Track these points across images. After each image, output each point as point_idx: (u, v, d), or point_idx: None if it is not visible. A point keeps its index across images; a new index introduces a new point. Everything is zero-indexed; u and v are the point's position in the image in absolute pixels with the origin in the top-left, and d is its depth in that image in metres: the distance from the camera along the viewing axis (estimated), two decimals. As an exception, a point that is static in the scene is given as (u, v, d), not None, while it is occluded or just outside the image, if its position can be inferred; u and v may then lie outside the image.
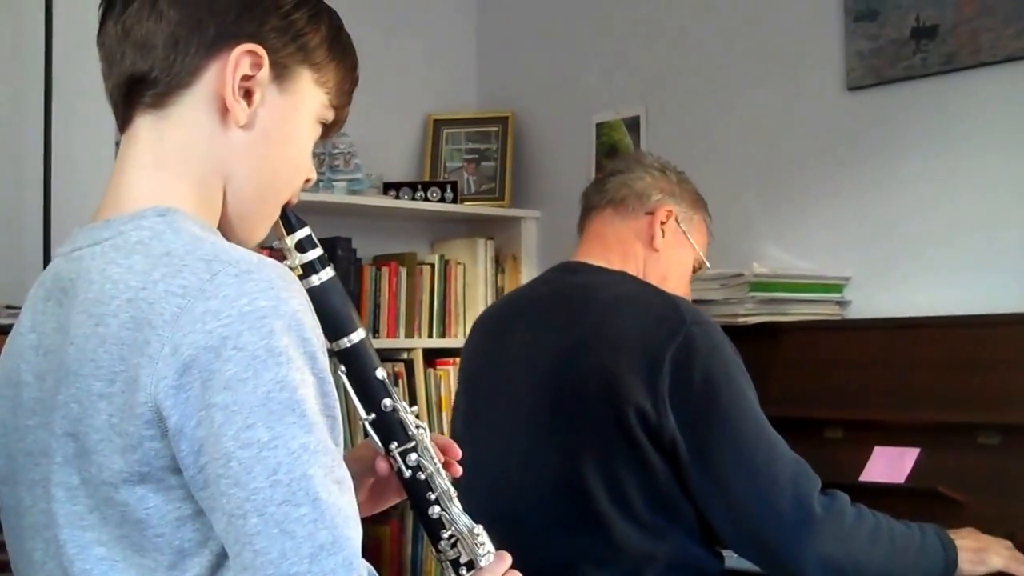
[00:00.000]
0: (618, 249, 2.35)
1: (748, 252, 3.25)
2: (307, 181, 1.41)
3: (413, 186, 3.89)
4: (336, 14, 1.40)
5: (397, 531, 3.64)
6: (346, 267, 3.60)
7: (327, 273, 1.37)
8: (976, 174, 2.90)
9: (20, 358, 1.30)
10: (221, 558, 1.17)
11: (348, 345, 1.37)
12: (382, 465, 1.42)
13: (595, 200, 2.41)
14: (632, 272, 2.33)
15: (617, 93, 3.80)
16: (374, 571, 1.22)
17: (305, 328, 1.17)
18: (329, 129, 1.41)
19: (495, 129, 4.14)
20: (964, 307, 2.78)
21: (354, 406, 1.39)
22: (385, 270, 3.75)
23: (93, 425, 1.17)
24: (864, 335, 2.84)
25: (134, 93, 1.31)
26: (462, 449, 1.50)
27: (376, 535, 3.54)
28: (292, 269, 1.34)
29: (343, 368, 1.38)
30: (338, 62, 1.38)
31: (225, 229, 1.33)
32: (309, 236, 1.38)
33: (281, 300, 1.15)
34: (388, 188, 3.87)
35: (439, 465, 1.42)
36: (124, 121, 1.33)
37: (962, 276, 2.90)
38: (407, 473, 1.40)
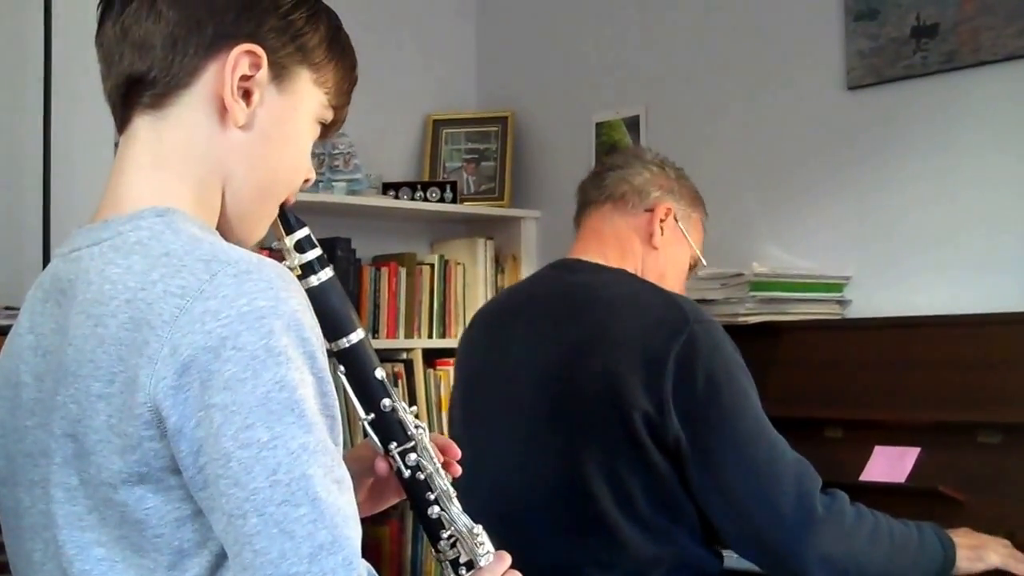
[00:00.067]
0: (616, 246, 2.34)
1: (748, 251, 3.25)
2: (306, 181, 1.41)
3: (412, 186, 3.89)
4: (335, 14, 1.40)
5: (397, 531, 3.63)
6: (345, 267, 3.59)
7: (326, 273, 1.37)
8: (976, 173, 2.90)
9: (19, 359, 1.30)
10: (220, 558, 1.17)
11: (347, 345, 1.37)
12: (381, 465, 1.42)
13: (593, 195, 2.39)
14: (630, 269, 2.32)
15: (617, 93, 3.79)
16: (373, 571, 1.22)
17: (304, 328, 1.17)
18: (328, 129, 1.41)
19: (494, 129, 4.14)
20: (964, 306, 2.78)
21: (353, 406, 1.39)
22: (385, 270, 3.75)
23: (92, 426, 1.17)
24: (864, 335, 2.84)
25: (132, 93, 1.31)
26: (461, 450, 1.50)
27: (376, 535, 3.54)
28: (291, 269, 1.34)
29: (342, 368, 1.38)
30: (337, 62, 1.38)
31: (224, 229, 1.33)
32: (308, 236, 1.38)
33: (280, 300, 1.15)
34: (387, 188, 3.87)
35: (438, 465, 1.42)
36: (122, 122, 1.33)
37: (962, 275, 2.89)
38: (406, 473, 1.40)
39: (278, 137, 1.34)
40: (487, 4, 4.33)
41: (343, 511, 1.14)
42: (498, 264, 4.02)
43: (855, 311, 3.10)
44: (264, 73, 1.31)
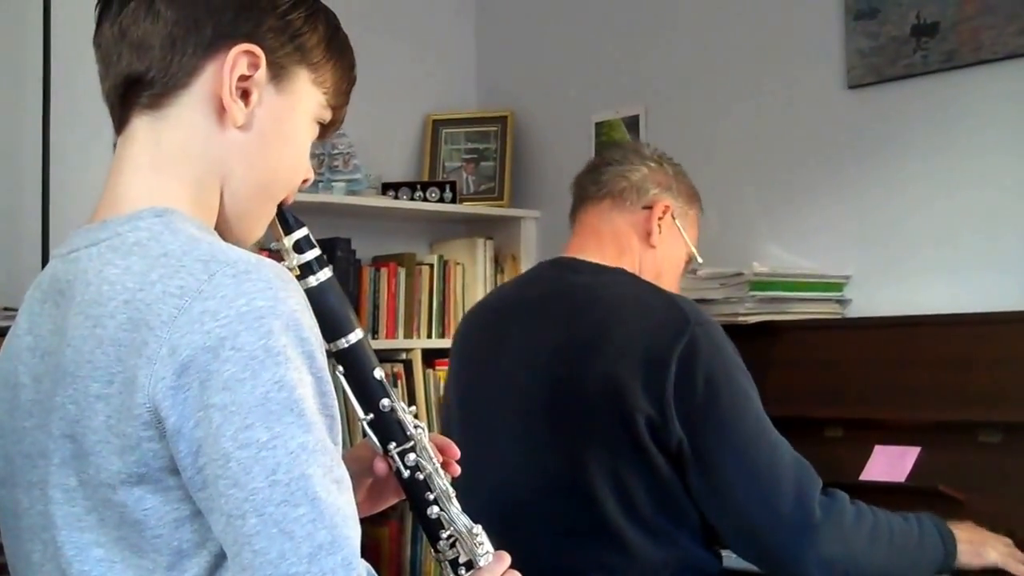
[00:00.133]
0: (614, 244, 2.33)
1: (748, 251, 3.25)
2: (305, 181, 1.41)
3: (412, 186, 3.89)
4: (333, 14, 1.40)
5: (396, 532, 3.63)
6: (345, 268, 3.59)
7: (325, 274, 1.37)
8: (977, 172, 2.90)
9: (17, 360, 1.30)
10: (219, 559, 1.17)
11: (346, 345, 1.37)
12: (380, 465, 1.42)
13: (591, 191, 2.38)
14: (628, 268, 2.30)
15: (616, 92, 3.79)
16: (373, 571, 1.22)
17: (303, 328, 1.17)
18: (327, 129, 1.41)
19: (494, 129, 4.13)
20: (965, 305, 2.78)
21: (352, 407, 1.39)
22: (384, 270, 3.75)
23: (91, 426, 1.17)
24: (864, 334, 2.84)
25: (131, 94, 1.31)
26: (460, 451, 1.49)
27: (375, 536, 3.54)
28: (290, 270, 1.34)
29: (341, 368, 1.38)
30: (335, 62, 1.38)
31: (222, 229, 1.33)
32: (307, 236, 1.38)
33: (279, 300, 1.15)
34: (387, 188, 3.87)
35: (437, 465, 1.42)
36: (121, 122, 1.33)
37: (963, 274, 2.89)
38: (405, 473, 1.40)
39: (276, 137, 1.34)
40: (486, 4, 4.33)
41: (342, 511, 1.14)
42: (497, 264, 4.01)
43: (855, 310, 3.10)
44: (262, 73, 1.31)
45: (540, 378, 2.19)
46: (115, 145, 1.35)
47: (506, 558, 1.42)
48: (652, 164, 2.38)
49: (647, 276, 2.30)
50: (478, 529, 1.41)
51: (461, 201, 3.98)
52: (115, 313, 1.17)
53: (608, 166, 2.38)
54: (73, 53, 2.98)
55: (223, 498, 1.11)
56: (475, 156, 4.14)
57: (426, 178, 4.07)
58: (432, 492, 1.41)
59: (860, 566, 2.10)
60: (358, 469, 1.40)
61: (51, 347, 1.25)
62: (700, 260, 2.47)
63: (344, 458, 1.21)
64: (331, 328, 1.35)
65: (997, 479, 2.42)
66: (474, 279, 3.93)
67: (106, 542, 1.19)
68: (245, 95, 1.30)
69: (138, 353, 1.14)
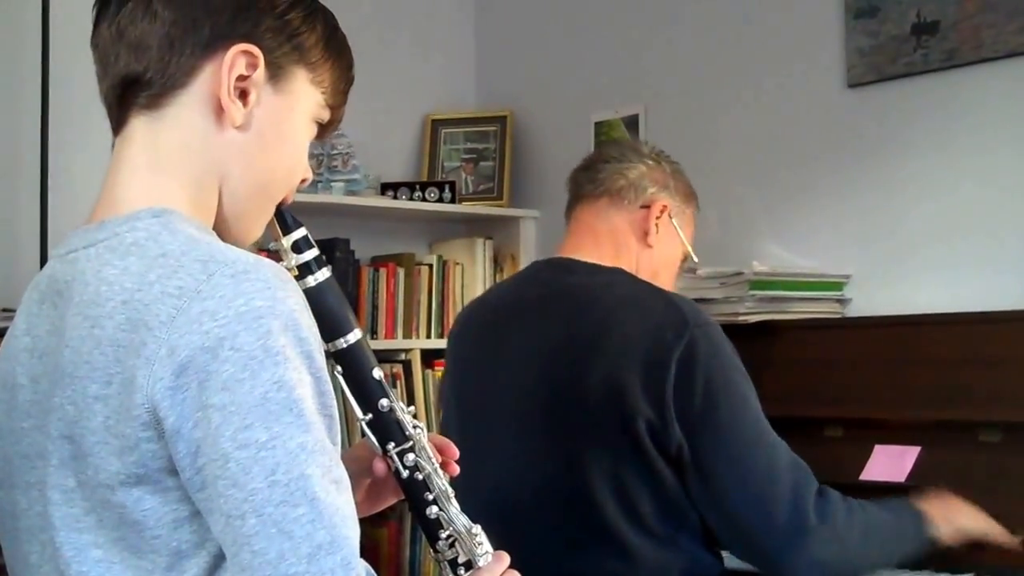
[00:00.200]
0: (611, 243, 2.31)
1: (748, 250, 3.25)
2: (303, 181, 1.40)
3: (411, 186, 3.88)
4: (331, 14, 1.40)
5: (395, 533, 3.63)
6: (344, 268, 3.59)
7: (323, 274, 1.37)
8: (978, 171, 2.90)
9: (15, 361, 1.30)
10: (218, 559, 1.17)
11: (344, 346, 1.37)
12: (379, 465, 1.42)
13: (587, 189, 2.35)
14: (625, 267, 2.29)
15: (616, 92, 3.79)
16: (372, 571, 1.21)
17: (302, 328, 1.17)
18: (325, 129, 1.41)
19: (493, 128, 4.13)
20: (965, 304, 2.78)
21: (351, 407, 1.39)
22: (383, 271, 3.74)
23: (89, 427, 1.17)
24: (864, 333, 2.84)
25: (129, 94, 1.30)
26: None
27: (374, 537, 3.54)
28: (288, 270, 1.33)
29: (339, 369, 1.38)
30: (334, 61, 1.37)
31: (221, 230, 1.32)
32: (305, 236, 1.38)
33: (278, 300, 1.15)
34: (386, 188, 3.86)
35: (436, 465, 1.42)
36: (118, 123, 1.33)
37: (963, 273, 2.89)
38: (404, 473, 1.40)
39: (275, 137, 1.34)
40: (486, 4, 4.33)
41: (341, 511, 1.14)
42: (497, 264, 4.01)
43: (855, 310, 3.09)
44: (261, 73, 1.30)
45: (538, 381, 2.18)
46: (113, 146, 1.34)
47: (505, 558, 1.41)
48: (650, 162, 2.36)
49: (644, 275, 2.29)
50: (477, 529, 1.41)
51: (460, 201, 3.97)
52: (113, 314, 1.17)
53: (605, 163, 2.36)
54: (72, 54, 2.97)
55: (222, 498, 1.11)
56: (474, 156, 4.13)
57: (425, 178, 4.06)
58: (431, 492, 1.40)
59: (852, 564, 2.13)
60: (357, 469, 1.40)
61: (49, 348, 1.24)
62: (696, 259, 2.46)
63: (343, 458, 1.20)
64: (330, 328, 1.34)
65: (998, 478, 2.42)
66: (473, 279, 3.93)
67: (105, 543, 1.19)
68: (243, 95, 1.30)
69: (136, 354, 1.14)
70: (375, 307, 3.71)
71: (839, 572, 2.11)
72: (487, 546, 1.41)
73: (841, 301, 3.11)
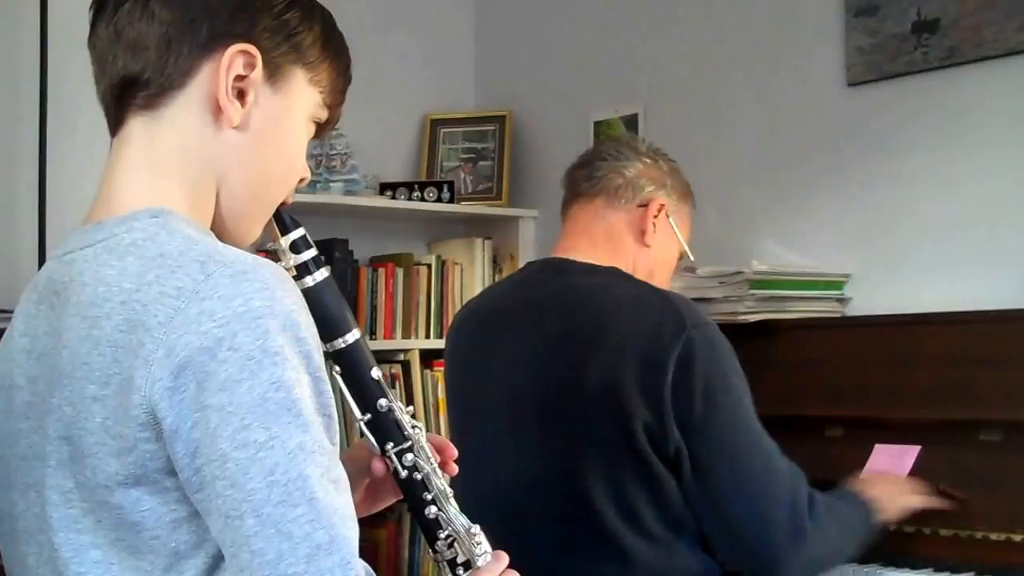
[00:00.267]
0: (607, 243, 2.30)
1: (748, 249, 3.24)
2: (301, 180, 1.40)
3: (410, 186, 3.87)
4: (329, 13, 1.40)
5: (394, 534, 3.63)
6: (343, 268, 3.58)
7: (321, 274, 1.37)
8: (978, 170, 2.89)
9: (12, 362, 1.30)
10: (217, 560, 1.17)
11: (343, 346, 1.37)
12: (378, 466, 1.42)
13: (584, 187, 2.34)
14: (621, 267, 2.27)
15: (615, 91, 3.78)
16: (371, 571, 1.21)
17: (300, 328, 1.17)
18: (322, 128, 1.41)
19: (492, 128, 4.13)
20: (965, 303, 2.77)
21: (350, 407, 1.39)
22: (382, 271, 3.74)
23: (87, 428, 1.17)
24: (865, 332, 2.84)
25: (126, 95, 1.30)
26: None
27: (373, 538, 3.53)
28: (287, 270, 1.33)
29: (338, 369, 1.38)
30: (331, 61, 1.37)
31: (219, 230, 1.32)
32: (304, 236, 1.38)
33: (276, 300, 1.15)
34: (384, 188, 3.86)
35: (435, 465, 1.42)
36: (116, 123, 1.33)
37: (963, 272, 2.88)
38: (403, 473, 1.40)
39: (273, 137, 1.34)
40: (485, 3, 4.32)
41: (340, 511, 1.14)
42: (496, 264, 4.00)
43: (855, 309, 3.09)
44: (259, 73, 1.30)
45: (533, 383, 2.17)
46: (111, 146, 1.34)
47: (504, 558, 1.41)
48: (647, 160, 2.35)
49: (640, 275, 2.28)
50: (476, 529, 1.41)
51: (459, 201, 3.97)
52: (111, 314, 1.16)
53: (603, 161, 2.35)
54: (70, 54, 2.97)
55: (221, 499, 1.11)
56: (473, 156, 4.13)
57: (424, 178, 4.06)
58: (430, 492, 1.40)
59: (833, 560, 2.19)
60: (355, 469, 1.39)
61: (46, 349, 1.24)
62: (692, 258, 2.45)
63: (341, 458, 1.20)
64: (328, 328, 1.34)
65: (998, 478, 2.42)
66: (472, 279, 3.92)
67: (103, 544, 1.19)
68: (241, 95, 1.30)
69: (134, 354, 1.13)
70: (374, 307, 3.71)
71: (823, 568, 2.16)
72: (486, 546, 1.41)
73: (841, 300, 3.10)
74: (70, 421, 1.18)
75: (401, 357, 3.74)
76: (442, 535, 1.41)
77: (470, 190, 4.10)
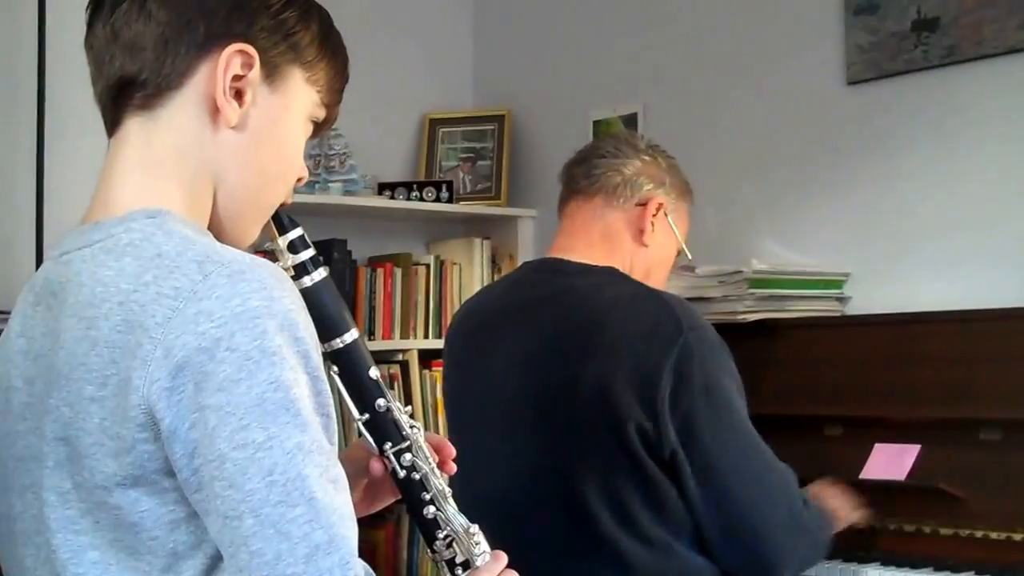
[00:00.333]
0: (604, 242, 2.29)
1: (747, 248, 3.24)
2: (299, 180, 1.40)
3: (408, 186, 3.87)
4: (326, 12, 1.39)
5: (392, 535, 3.62)
6: (341, 269, 3.57)
7: (319, 274, 1.36)
8: (978, 168, 2.89)
9: (9, 363, 1.29)
10: (215, 560, 1.17)
11: (341, 345, 1.37)
12: (376, 466, 1.41)
13: (582, 184, 2.33)
14: (618, 266, 2.26)
15: (614, 90, 3.78)
16: (371, 571, 1.21)
17: (298, 327, 1.16)
18: (320, 127, 1.41)
19: (491, 127, 4.12)
20: (965, 302, 2.77)
21: (348, 407, 1.39)
22: (380, 271, 3.73)
23: (85, 429, 1.17)
24: (864, 331, 2.83)
25: (123, 95, 1.30)
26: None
27: (371, 539, 3.53)
28: (285, 270, 1.33)
29: (336, 369, 1.37)
30: (329, 60, 1.37)
31: (217, 231, 1.32)
32: (301, 236, 1.38)
33: (274, 300, 1.15)
34: (383, 188, 3.85)
35: (434, 465, 1.42)
36: (113, 124, 1.32)
37: (963, 271, 2.88)
38: (401, 473, 1.40)
39: (270, 137, 1.33)
40: (483, 3, 4.32)
41: (339, 511, 1.14)
42: (495, 264, 4.00)
43: (855, 308, 3.09)
44: (256, 73, 1.30)
45: (528, 385, 2.16)
46: (108, 147, 1.34)
47: (503, 558, 1.41)
48: (646, 158, 2.34)
49: (637, 274, 2.27)
50: (475, 529, 1.41)
51: (458, 201, 3.96)
52: (109, 315, 1.16)
53: (601, 158, 2.33)
54: (68, 55, 2.97)
55: (219, 499, 1.11)
56: (472, 155, 4.12)
57: (423, 178, 4.05)
58: (428, 492, 1.40)
59: (813, 561, 2.22)
60: (354, 470, 1.39)
61: (44, 350, 1.24)
62: (690, 256, 2.44)
63: (340, 458, 1.20)
64: (326, 328, 1.34)
65: (998, 477, 2.42)
66: (471, 279, 3.91)
67: (101, 545, 1.18)
68: (239, 95, 1.30)
69: (132, 355, 1.13)
70: (372, 308, 3.70)
71: (810, 561, 2.19)
72: (484, 546, 1.41)
73: (841, 299, 3.10)
74: (68, 422, 1.18)
75: (400, 357, 3.74)
76: (440, 535, 1.40)
77: (469, 190, 4.09)
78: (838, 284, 3.11)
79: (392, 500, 1.51)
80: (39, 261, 2.96)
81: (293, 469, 1.11)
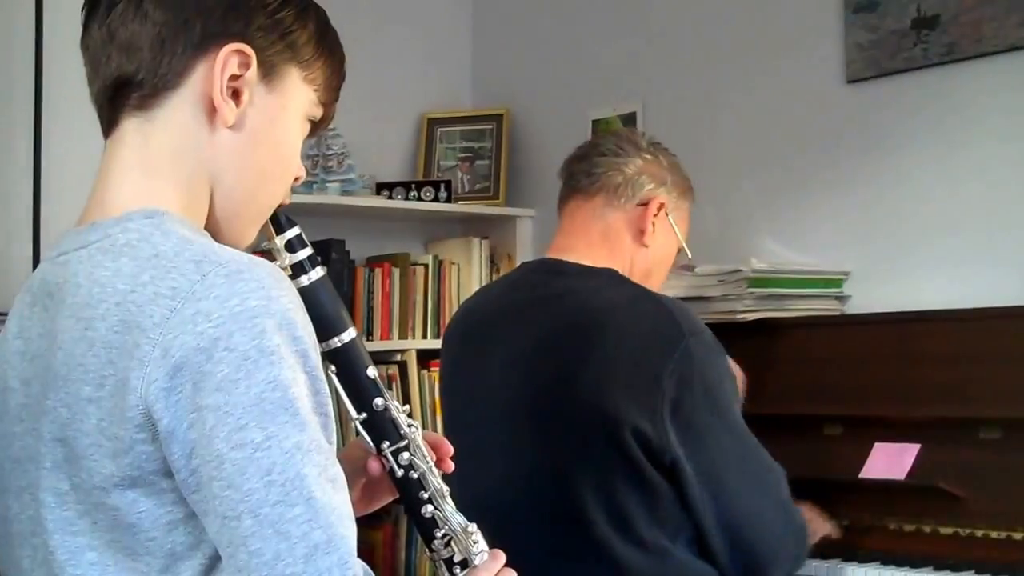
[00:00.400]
0: (604, 243, 2.27)
1: (746, 247, 3.24)
2: (296, 179, 1.40)
3: (406, 186, 3.87)
4: (323, 10, 1.39)
5: (390, 536, 3.62)
6: (339, 269, 3.57)
7: (317, 273, 1.36)
8: (978, 166, 2.89)
9: (6, 364, 1.29)
10: (214, 560, 1.17)
11: (339, 345, 1.36)
12: (374, 465, 1.41)
13: (583, 183, 2.30)
14: (618, 267, 2.24)
15: (613, 89, 3.78)
16: (370, 570, 1.21)
17: (297, 327, 1.16)
18: (317, 126, 1.41)
19: (490, 127, 4.12)
20: (964, 301, 2.77)
21: (345, 406, 1.39)
22: (378, 271, 3.73)
23: (82, 429, 1.17)
24: (864, 330, 2.83)
25: (120, 96, 1.30)
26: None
27: (369, 540, 3.52)
28: (282, 269, 1.33)
29: (333, 368, 1.37)
30: (326, 59, 1.37)
31: (214, 232, 1.32)
32: (299, 235, 1.37)
33: (272, 299, 1.15)
34: (381, 188, 3.85)
35: (431, 464, 1.42)
36: (109, 124, 1.32)
37: (963, 269, 2.88)
38: (399, 472, 1.40)
39: (268, 136, 1.33)
40: (482, 1, 4.32)
41: (338, 510, 1.14)
42: (493, 264, 3.99)
43: (854, 307, 3.08)
44: (253, 72, 1.30)
45: (525, 387, 2.15)
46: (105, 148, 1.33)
47: (501, 556, 1.41)
48: (648, 156, 2.31)
49: (637, 275, 2.26)
50: (473, 527, 1.41)
51: (456, 200, 3.96)
52: (106, 315, 1.16)
53: (602, 156, 2.31)
54: (65, 55, 2.97)
55: (217, 500, 1.11)
56: (470, 155, 4.12)
57: (421, 177, 4.05)
58: (426, 491, 1.40)
59: (804, 557, 2.22)
60: (351, 469, 1.39)
61: (40, 350, 1.24)
62: (690, 255, 2.43)
63: (338, 458, 1.20)
64: (324, 327, 1.34)
65: (998, 476, 2.42)
66: (469, 279, 3.90)
67: (99, 546, 1.18)
68: (236, 95, 1.29)
69: (130, 355, 1.13)
70: (371, 308, 3.70)
71: (798, 558, 2.19)
72: (483, 544, 1.41)
73: (840, 298, 3.10)
74: (65, 423, 1.18)
75: (398, 358, 3.73)
76: (439, 534, 1.40)
77: (467, 189, 4.09)
78: (837, 283, 3.11)
79: (390, 499, 1.50)
80: (36, 262, 2.95)
81: (292, 469, 1.11)
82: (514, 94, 4.15)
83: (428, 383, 3.75)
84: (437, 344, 3.72)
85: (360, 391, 1.38)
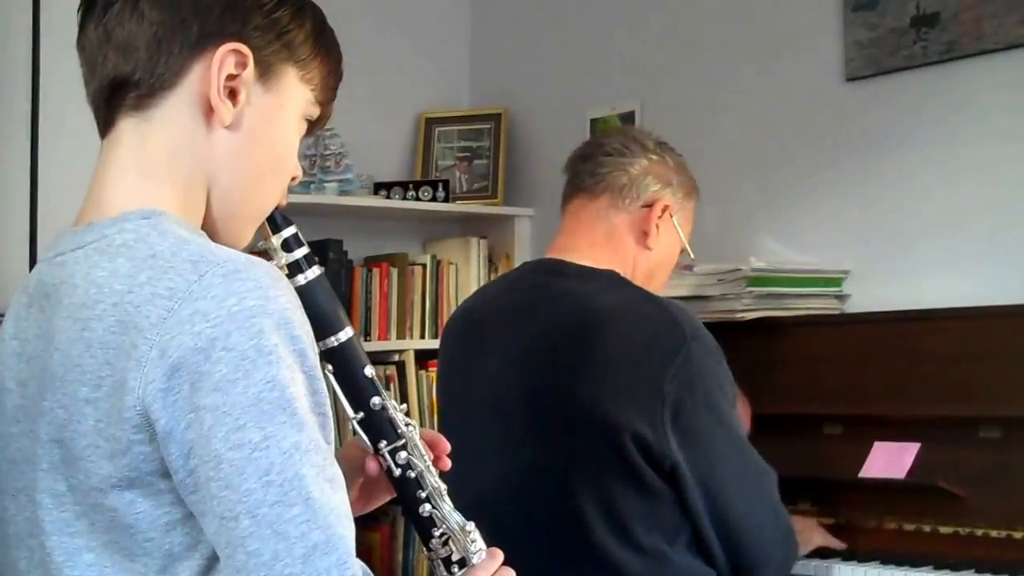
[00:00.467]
0: (606, 244, 2.25)
1: (746, 246, 3.23)
2: (293, 179, 1.40)
3: (404, 185, 3.86)
4: (319, 10, 1.39)
5: (388, 537, 3.62)
6: (337, 269, 3.56)
7: (313, 272, 1.36)
8: (978, 165, 2.89)
9: (3, 365, 1.29)
10: (212, 561, 1.17)
11: (336, 344, 1.36)
12: (372, 464, 1.41)
13: (587, 183, 2.28)
14: (620, 269, 2.23)
15: (611, 88, 3.78)
16: (368, 570, 1.21)
17: (295, 326, 1.16)
18: (314, 125, 1.40)
19: (488, 126, 4.11)
20: (965, 300, 2.76)
21: (342, 406, 1.38)
22: (376, 271, 3.72)
23: (79, 431, 1.17)
24: (863, 329, 2.83)
25: (116, 96, 1.29)
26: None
27: (367, 541, 3.52)
28: (279, 268, 1.33)
29: (331, 367, 1.37)
30: (323, 58, 1.37)
31: (211, 232, 1.31)
32: (295, 235, 1.37)
33: (270, 299, 1.14)
34: (379, 188, 3.85)
35: (429, 463, 1.42)
36: (106, 124, 1.32)
37: (963, 268, 2.88)
38: (397, 471, 1.40)
39: (265, 136, 1.33)
40: (480, 1, 4.31)
41: (336, 510, 1.14)
42: (491, 263, 3.99)
43: (854, 306, 3.08)
44: (250, 72, 1.30)
45: (522, 389, 2.14)
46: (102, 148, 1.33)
47: (499, 555, 1.41)
48: (653, 156, 2.29)
49: (639, 277, 2.25)
50: (471, 526, 1.41)
51: (454, 200, 3.96)
52: (103, 316, 1.16)
53: (607, 156, 2.28)
54: (62, 55, 2.95)
55: (215, 500, 1.11)
56: (468, 154, 4.12)
57: (419, 177, 4.05)
58: (424, 490, 1.40)
59: (793, 559, 2.23)
60: (349, 468, 1.39)
61: (37, 351, 1.24)
62: (693, 256, 2.42)
63: (335, 457, 1.20)
64: (321, 327, 1.33)
65: (998, 475, 2.42)
66: (468, 279, 3.90)
67: (96, 547, 1.18)
68: (233, 94, 1.29)
69: (127, 356, 1.13)
70: (368, 308, 3.69)
71: (788, 558, 2.20)
72: (481, 543, 1.41)
73: (840, 297, 3.10)
74: (62, 424, 1.18)
75: (396, 358, 3.73)
76: (436, 533, 1.40)
77: (465, 189, 4.09)
78: (837, 282, 3.10)
79: (388, 498, 1.50)
80: (32, 263, 2.95)
81: (290, 469, 1.11)
82: (512, 93, 4.15)
83: (426, 383, 3.74)
84: (435, 344, 3.71)
85: (357, 390, 1.38)
